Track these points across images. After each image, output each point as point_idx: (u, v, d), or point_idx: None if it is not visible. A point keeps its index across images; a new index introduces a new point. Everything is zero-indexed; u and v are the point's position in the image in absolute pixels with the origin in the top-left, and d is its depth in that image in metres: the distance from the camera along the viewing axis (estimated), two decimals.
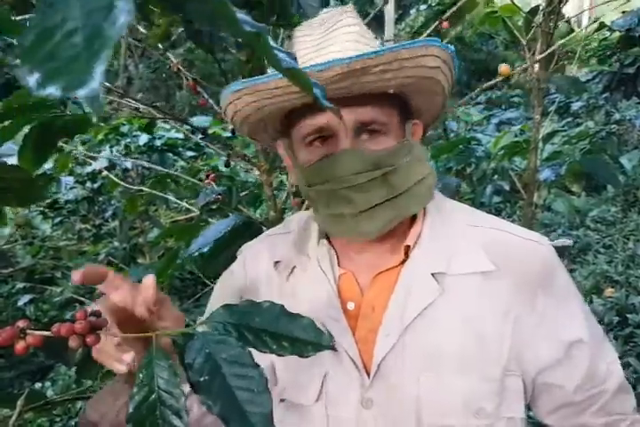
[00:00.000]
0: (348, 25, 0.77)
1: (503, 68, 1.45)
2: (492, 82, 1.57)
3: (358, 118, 0.74)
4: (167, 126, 3.50)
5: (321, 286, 0.81)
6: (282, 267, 0.86)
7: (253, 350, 0.52)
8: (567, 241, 0.80)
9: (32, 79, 0.25)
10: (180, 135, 3.39)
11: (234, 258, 0.95)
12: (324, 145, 0.76)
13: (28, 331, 0.64)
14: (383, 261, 0.80)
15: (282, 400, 0.81)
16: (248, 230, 1.12)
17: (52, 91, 0.24)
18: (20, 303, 3.52)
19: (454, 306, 0.76)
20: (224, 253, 1.20)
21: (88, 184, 3.83)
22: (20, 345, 0.68)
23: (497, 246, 0.77)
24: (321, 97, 0.35)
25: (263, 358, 0.65)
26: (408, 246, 0.79)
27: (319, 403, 0.78)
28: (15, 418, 0.76)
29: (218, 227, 1.27)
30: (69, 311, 3.52)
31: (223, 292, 0.93)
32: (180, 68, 1.54)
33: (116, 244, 3.90)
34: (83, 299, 3.49)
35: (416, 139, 0.82)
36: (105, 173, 2.82)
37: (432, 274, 0.77)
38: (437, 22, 1.66)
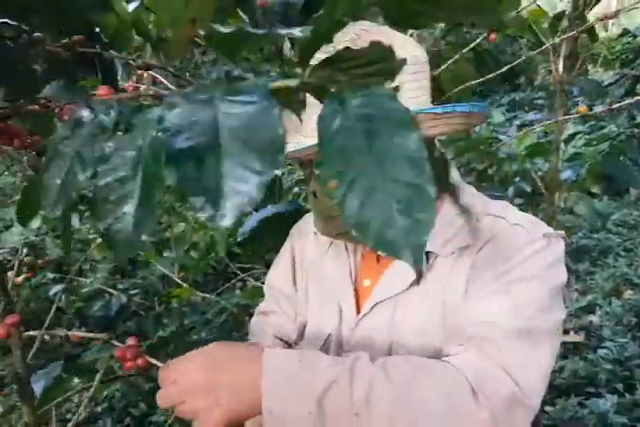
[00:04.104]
0: None
1: (581, 109, 1.85)
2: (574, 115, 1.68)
3: None
4: None
5: (342, 265, 0.92)
6: (320, 239, 0.96)
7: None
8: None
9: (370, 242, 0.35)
10: None
11: (278, 240, 1.06)
12: None
13: (146, 356, 0.74)
14: None
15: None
16: (293, 216, 1.20)
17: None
18: (50, 294, 3.62)
19: (431, 284, 0.82)
20: (267, 235, 1.26)
21: None
22: (131, 363, 0.75)
23: (484, 230, 0.81)
24: None
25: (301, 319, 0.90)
26: None
27: None
28: (93, 390, 0.85)
29: (264, 211, 1.32)
30: (98, 302, 3.62)
31: (284, 246, 1.06)
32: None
33: (144, 237, 3.99)
34: (111, 290, 3.60)
35: None
36: None
37: (426, 252, 0.82)
38: (486, 34, 1.66)
